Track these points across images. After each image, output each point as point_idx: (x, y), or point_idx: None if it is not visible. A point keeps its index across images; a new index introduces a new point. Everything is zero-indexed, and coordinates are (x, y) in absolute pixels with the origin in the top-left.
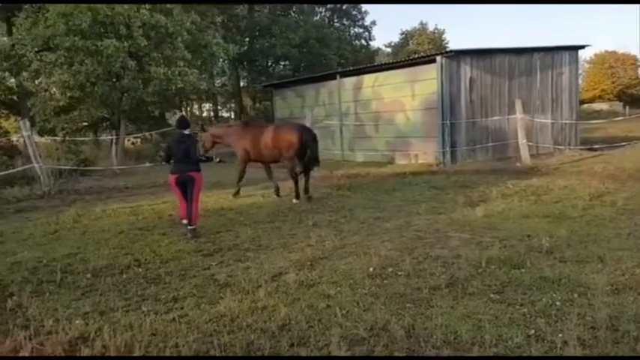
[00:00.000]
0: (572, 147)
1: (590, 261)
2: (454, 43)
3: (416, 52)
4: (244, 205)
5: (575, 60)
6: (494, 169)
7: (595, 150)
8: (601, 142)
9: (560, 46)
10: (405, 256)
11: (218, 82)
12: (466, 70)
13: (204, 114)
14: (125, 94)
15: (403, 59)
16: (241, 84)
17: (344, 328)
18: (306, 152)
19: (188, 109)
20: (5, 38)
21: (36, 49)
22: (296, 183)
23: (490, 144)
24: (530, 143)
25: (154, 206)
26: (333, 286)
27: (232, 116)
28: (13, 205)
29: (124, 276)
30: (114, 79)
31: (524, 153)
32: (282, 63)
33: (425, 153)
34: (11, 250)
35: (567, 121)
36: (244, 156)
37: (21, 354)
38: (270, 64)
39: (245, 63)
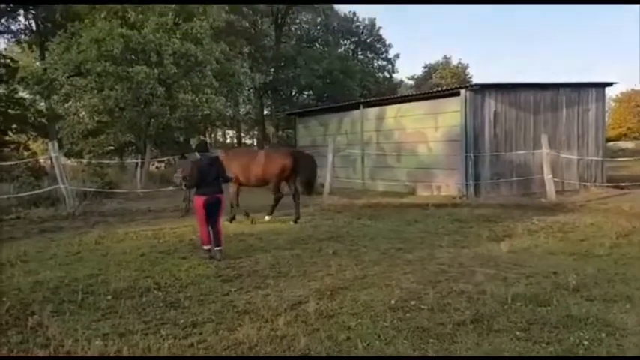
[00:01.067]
0: (597, 184)
1: (617, 300)
2: (478, 77)
3: (439, 85)
4: (264, 231)
5: (602, 97)
6: (519, 204)
7: (621, 188)
8: (627, 180)
9: (587, 83)
10: (429, 289)
11: (243, 109)
12: (490, 104)
13: (228, 140)
14: (152, 120)
15: (427, 91)
16: (265, 112)
17: None
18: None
19: (212, 135)
20: (38, 62)
21: (67, 74)
22: (276, 202)
23: (514, 179)
24: (555, 179)
25: (175, 230)
26: (353, 317)
27: (255, 143)
28: (38, 225)
29: (144, 299)
30: (142, 105)
31: (550, 189)
32: (306, 93)
33: (447, 185)
34: (34, 269)
35: (593, 158)
36: (235, 181)
37: None
38: (293, 93)
39: (269, 92)
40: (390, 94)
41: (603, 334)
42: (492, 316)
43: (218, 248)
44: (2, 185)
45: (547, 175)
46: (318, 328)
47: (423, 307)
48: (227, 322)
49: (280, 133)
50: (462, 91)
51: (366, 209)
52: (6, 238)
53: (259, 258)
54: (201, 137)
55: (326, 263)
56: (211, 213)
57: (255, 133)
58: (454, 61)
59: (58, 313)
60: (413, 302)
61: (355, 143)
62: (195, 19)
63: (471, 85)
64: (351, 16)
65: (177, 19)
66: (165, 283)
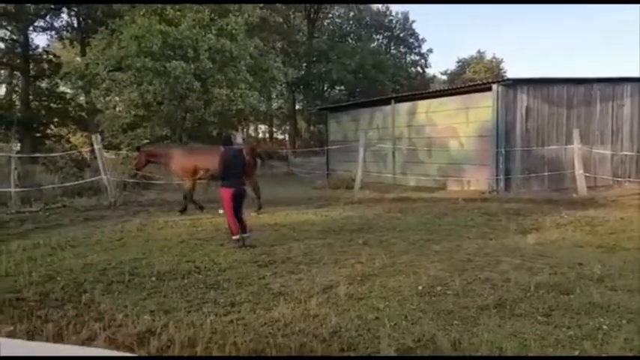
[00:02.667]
0: (632, 180)
1: None
2: (512, 72)
3: (472, 80)
4: (297, 221)
5: (638, 92)
6: (550, 198)
7: None
8: None
9: (622, 78)
10: (455, 277)
11: (275, 104)
12: (522, 99)
13: (260, 135)
14: (188, 114)
15: (459, 86)
16: (296, 107)
17: (392, 338)
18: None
19: (244, 129)
20: (78, 58)
21: (108, 69)
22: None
23: (546, 173)
24: (587, 174)
25: (211, 219)
26: (382, 300)
27: (287, 138)
28: (82, 213)
29: (186, 281)
30: (179, 99)
31: (581, 184)
32: (338, 88)
33: (478, 180)
34: (82, 253)
35: (628, 153)
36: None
37: (95, 343)
38: (325, 88)
39: (301, 87)
40: (422, 89)
41: (624, 321)
42: (515, 302)
43: (247, 235)
44: (48, 176)
45: (578, 170)
46: (349, 309)
47: (448, 292)
48: (263, 303)
49: (312, 128)
50: (494, 86)
51: (396, 203)
52: (54, 225)
53: (292, 246)
54: (231, 131)
55: (356, 252)
56: (238, 204)
57: (287, 127)
58: (488, 56)
59: (108, 291)
60: (439, 288)
61: (386, 138)
62: (230, 15)
63: (504, 80)
64: (384, 10)
65: (212, 15)
66: (205, 267)
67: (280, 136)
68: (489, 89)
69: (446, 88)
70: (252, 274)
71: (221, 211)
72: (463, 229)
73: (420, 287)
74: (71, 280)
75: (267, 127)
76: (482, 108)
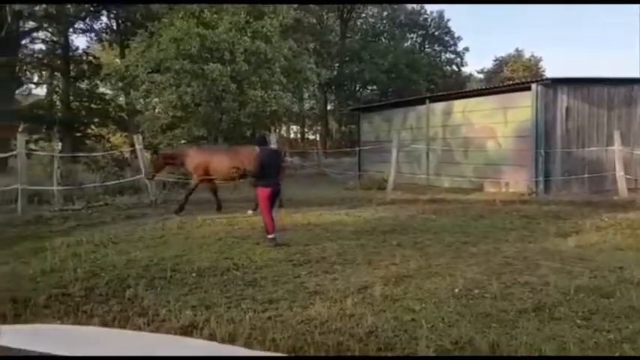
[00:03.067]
0: None
1: None
2: (551, 71)
3: (510, 79)
4: (330, 222)
5: None
6: (590, 201)
7: None
8: None
9: None
10: (492, 280)
11: (307, 105)
12: (562, 99)
13: (292, 135)
14: (224, 115)
15: (496, 86)
16: (328, 107)
17: (429, 339)
18: None
19: (277, 130)
20: (117, 60)
21: (148, 71)
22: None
23: (586, 175)
24: (628, 177)
25: (247, 218)
26: (417, 302)
27: (318, 138)
28: (124, 211)
29: (225, 277)
30: (215, 101)
31: (622, 186)
32: (370, 88)
33: (516, 182)
34: (125, 249)
35: None
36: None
37: None
38: (357, 88)
39: (333, 87)
40: (457, 88)
41: None
42: (554, 306)
43: (277, 234)
44: (90, 175)
45: (619, 172)
46: (384, 310)
47: (486, 295)
48: (299, 301)
49: (343, 128)
50: (533, 86)
51: (430, 204)
52: (96, 223)
53: (326, 246)
54: (264, 132)
55: (390, 253)
56: (272, 203)
57: (319, 128)
58: (526, 54)
59: (151, 287)
60: (476, 291)
61: (420, 138)
62: (265, 17)
63: (543, 80)
64: (419, 8)
65: (248, 17)
66: (243, 265)
67: (312, 137)
68: (528, 89)
69: (483, 87)
70: (288, 272)
71: (250, 212)
72: (501, 231)
73: (456, 290)
74: (115, 275)
75: (298, 127)
76: (521, 108)
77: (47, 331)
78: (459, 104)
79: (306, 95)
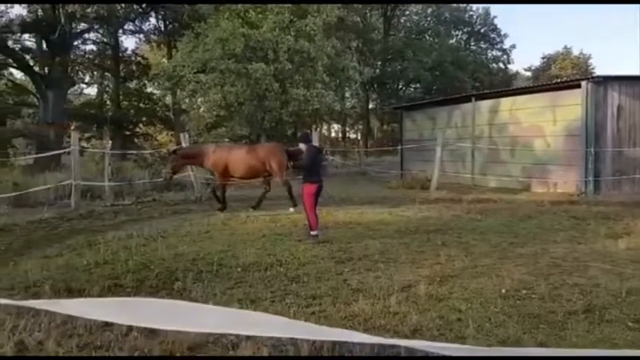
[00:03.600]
0: None
1: None
2: (601, 69)
3: (558, 76)
4: (372, 220)
5: None
6: None
7: None
8: None
9: None
10: (540, 281)
11: (349, 104)
12: (614, 97)
13: (332, 134)
14: (267, 114)
15: (544, 83)
16: (370, 106)
17: (476, 339)
18: None
19: (318, 129)
20: (165, 60)
21: (194, 71)
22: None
23: (637, 176)
24: None
25: (289, 215)
26: (463, 302)
27: (359, 137)
28: (171, 207)
29: (269, 272)
30: (258, 100)
31: None
32: (413, 86)
33: (565, 182)
34: (173, 244)
35: None
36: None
37: None
38: (400, 86)
39: (375, 86)
40: (504, 86)
41: None
42: (605, 308)
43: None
44: (139, 171)
45: None
46: (429, 309)
47: (534, 296)
48: (343, 297)
49: (385, 127)
50: (583, 83)
51: (475, 204)
52: (145, 218)
53: (368, 244)
54: (306, 130)
55: (434, 253)
56: (316, 200)
57: (360, 127)
58: (575, 52)
59: (198, 280)
60: (524, 292)
61: (465, 137)
62: (308, 16)
63: (593, 77)
64: (464, 5)
65: (292, 17)
66: (286, 261)
67: (353, 135)
68: (578, 86)
69: (530, 84)
70: (331, 269)
71: (291, 209)
72: (549, 232)
73: (503, 290)
74: (164, 268)
75: (340, 126)
76: (570, 106)
77: (133, 303)
78: (506, 102)
79: (348, 94)
